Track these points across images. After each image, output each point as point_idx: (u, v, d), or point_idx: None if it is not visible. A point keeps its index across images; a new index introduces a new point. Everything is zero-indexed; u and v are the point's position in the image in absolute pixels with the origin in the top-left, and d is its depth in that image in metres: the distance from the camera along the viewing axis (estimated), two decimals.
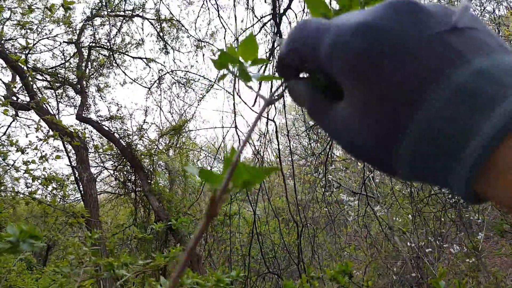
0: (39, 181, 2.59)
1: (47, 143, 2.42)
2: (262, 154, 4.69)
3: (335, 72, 0.22)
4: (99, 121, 4.93)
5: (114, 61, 5.20)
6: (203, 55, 4.98)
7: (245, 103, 4.34)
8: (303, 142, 5.36)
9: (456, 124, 0.18)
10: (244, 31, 4.45)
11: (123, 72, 5.27)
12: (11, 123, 4.73)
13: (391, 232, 4.65)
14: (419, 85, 0.19)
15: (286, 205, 4.74)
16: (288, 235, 5.16)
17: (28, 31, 4.31)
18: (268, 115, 4.42)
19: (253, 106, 4.40)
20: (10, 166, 2.14)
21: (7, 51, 4.65)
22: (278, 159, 4.85)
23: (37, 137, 2.40)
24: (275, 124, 4.39)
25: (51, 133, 4.53)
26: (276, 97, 0.30)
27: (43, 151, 4.40)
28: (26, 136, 3.32)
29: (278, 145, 4.41)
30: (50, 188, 3.58)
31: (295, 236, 4.63)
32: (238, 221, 5.09)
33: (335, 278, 1.44)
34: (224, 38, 4.73)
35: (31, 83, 4.63)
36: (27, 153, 2.34)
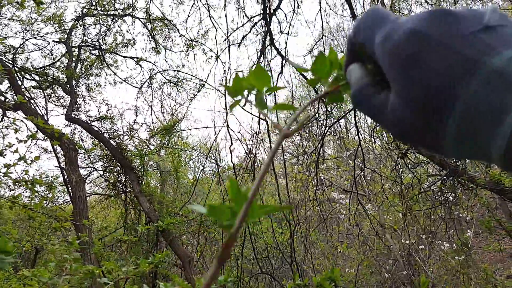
0: (19, 184, 2.51)
1: (30, 140, 2.35)
2: (254, 153, 4.69)
3: (384, 64, 0.26)
4: (89, 121, 4.87)
5: (104, 61, 5.16)
6: (195, 54, 4.97)
7: (237, 103, 4.33)
8: (295, 141, 5.38)
9: (493, 102, 0.20)
10: (234, 31, 4.47)
11: (113, 72, 5.23)
12: None
13: (383, 229, 4.68)
14: (459, 73, 0.22)
15: (279, 204, 4.73)
16: (281, 234, 5.15)
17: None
18: (260, 114, 4.42)
19: (244, 105, 4.39)
20: None
21: None
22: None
23: (16, 138, 2.33)
24: (267, 123, 4.40)
25: (40, 135, 4.45)
26: (292, 129, 0.29)
27: (31, 152, 4.33)
28: (17, 139, 3.23)
29: (270, 144, 4.43)
30: (38, 190, 3.49)
31: (288, 236, 4.63)
32: None
33: (321, 285, 1.42)
34: (215, 38, 4.74)
35: (19, 82, 4.56)
36: (5, 155, 2.26)
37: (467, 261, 4.53)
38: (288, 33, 4.36)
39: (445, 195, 4.43)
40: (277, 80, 4.32)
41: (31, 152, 3.90)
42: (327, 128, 4.34)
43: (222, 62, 4.40)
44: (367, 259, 4.78)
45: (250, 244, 4.55)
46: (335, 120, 4.57)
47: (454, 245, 4.61)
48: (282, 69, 4.36)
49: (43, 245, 4.24)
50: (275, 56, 4.49)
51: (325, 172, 5.24)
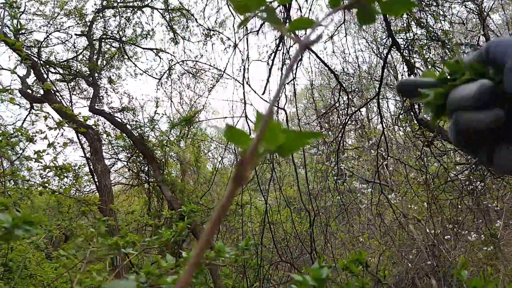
0: (49, 170, 2.61)
1: (58, 129, 2.42)
2: None
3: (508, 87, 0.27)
4: (112, 113, 4.99)
5: (124, 53, 5.24)
6: (213, 44, 4.94)
7: (255, 92, 4.31)
8: (314, 131, 5.30)
9: None
10: (252, 17, 4.39)
11: (133, 63, 5.30)
12: (27, 116, 4.84)
13: (406, 220, 4.57)
14: None
15: (298, 194, 4.70)
16: (300, 224, 5.14)
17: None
18: (278, 103, 4.37)
19: (262, 94, 4.35)
20: (19, 155, 2.17)
21: (23, 45, 4.74)
22: None
23: (47, 125, 2.41)
24: (286, 113, 4.34)
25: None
26: (315, 40, 0.27)
27: (58, 142, 4.50)
28: (47, 126, 3.34)
29: None
30: (64, 179, 3.64)
31: (307, 225, 4.61)
32: (250, 211, 5.10)
33: (348, 267, 1.37)
34: (233, 26, 4.66)
35: (45, 76, 4.71)
36: (36, 141, 2.35)
37: (496, 252, 4.36)
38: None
39: (473, 184, 4.25)
40: (296, 68, 4.23)
41: (58, 143, 4.05)
42: (348, 117, 4.23)
43: (240, 51, 4.35)
44: (389, 249, 4.70)
45: (269, 234, 4.59)
46: (356, 109, 4.45)
47: (482, 235, 4.45)
48: (301, 56, 4.26)
49: (72, 229, 4.46)
50: (294, 43, 4.38)
51: (346, 162, 5.14)
